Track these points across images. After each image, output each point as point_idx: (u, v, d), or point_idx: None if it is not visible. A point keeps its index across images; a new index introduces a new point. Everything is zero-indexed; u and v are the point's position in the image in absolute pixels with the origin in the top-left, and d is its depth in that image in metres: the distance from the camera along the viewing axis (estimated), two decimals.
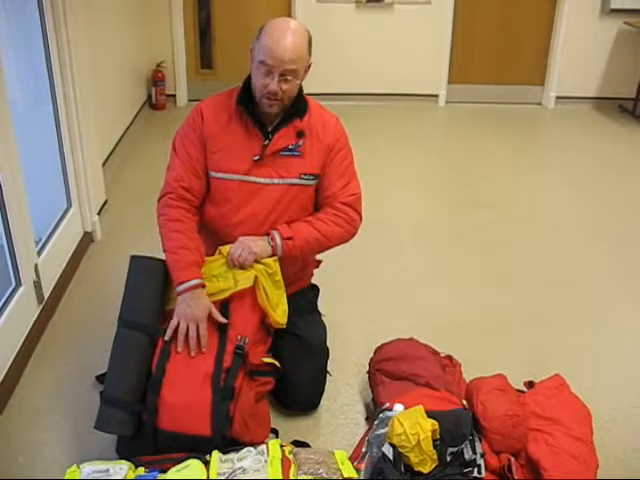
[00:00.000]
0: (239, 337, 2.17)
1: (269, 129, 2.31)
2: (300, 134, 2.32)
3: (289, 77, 2.18)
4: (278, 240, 2.29)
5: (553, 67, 6.13)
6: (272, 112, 2.27)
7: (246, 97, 2.29)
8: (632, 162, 5.05)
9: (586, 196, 4.40)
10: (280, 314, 2.28)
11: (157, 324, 2.20)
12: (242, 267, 2.24)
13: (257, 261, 2.25)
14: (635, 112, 5.96)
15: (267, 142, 2.30)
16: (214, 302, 2.21)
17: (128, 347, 2.17)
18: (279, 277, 2.28)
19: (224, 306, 2.22)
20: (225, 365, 2.11)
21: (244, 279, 2.22)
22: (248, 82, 2.29)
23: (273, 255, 2.29)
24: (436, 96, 6.21)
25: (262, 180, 2.32)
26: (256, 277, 2.22)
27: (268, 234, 2.31)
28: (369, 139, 5.14)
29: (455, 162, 4.96)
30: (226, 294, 2.21)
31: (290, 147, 2.32)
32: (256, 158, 2.30)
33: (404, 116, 5.88)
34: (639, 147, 5.37)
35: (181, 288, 2.18)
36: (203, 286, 2.20)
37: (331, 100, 5.61)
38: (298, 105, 2.33)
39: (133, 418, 2.08)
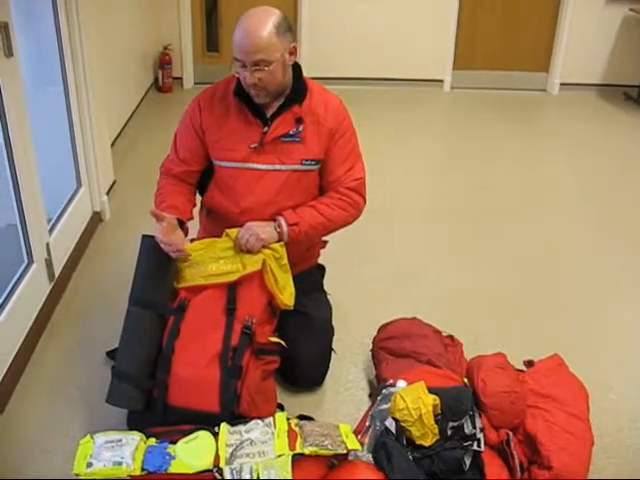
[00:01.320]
0: (247, 317, 2.21)
1: (268, 116, 2.34)
2: (299, 120, 2.34)
3: (261, 67, 2.18)
4: (284, 226, 2.33)
5: (558, 54, 6.13)
6: (261, 101, 2.29)
7: (242, 88, 2.31)
8: (636, 149, 5.06)
9: (589, 182, 4.43)
10: (287, 296, 2.32)
11: (167, 302, 2.25)
12: (249, 252, 2.29)
13: (264, 246, 2.30)
14: None
15: (266, 129, 2.32)
16: (221, 284, 2.25)
17: (139, 325, 2.22)
18: (285, 261, 2.32)
19: (232, 288, 2.26)
20: (233, 344, 2.16)
21: (252, 263, 2.26)
22: None
23: (280, 241, 2.33)
24: (441, 81, 6.21)
25: (263, 167, 2.36)
26: (264, 260, 2.26)
27: (274, 220, 2.35)
28: (374, 124, 5.16)
29: (459, 147, 4.99)
30: (234, 277, 2.25)
31: (290, 133, 2.34)
32: (254, 146, 2.33)
33: (409, 101, 5.89)
34: None
35: None
36: (180, 220, 2.32)
37: (336, 84, 5.63)
38: (296, 90, 2.34)
39: (143, 393, 2.14)
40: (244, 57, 2.18)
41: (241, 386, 2.12)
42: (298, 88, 2.35)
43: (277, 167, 2.36)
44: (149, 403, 2.15)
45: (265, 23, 2.16)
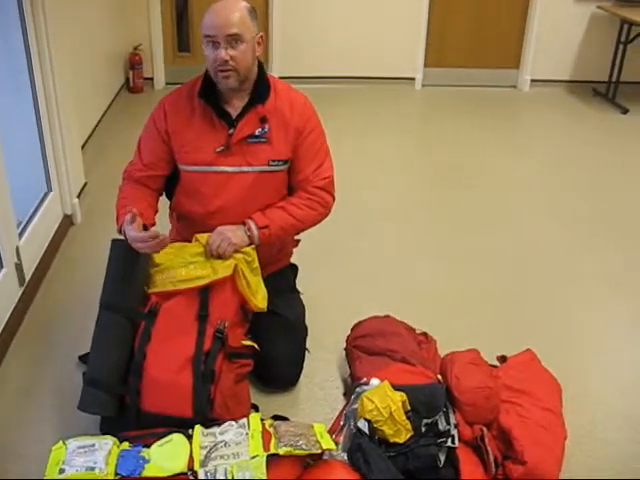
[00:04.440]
0: (219, 321, 2.20)
1: (233, 118, 2.32)
2: (263, 120, 2.33)
3: (234, 42, 2.19)
4: (254, 230, 2.32)
5: (528, 51, 6.19)
6: (230, 85, 2.26)
7: (207, 89, 2.30)
8: (604, 144, 5.13)
9: (559, 177, 4.47)
10: (260, 299, 2.31)
11: (138, 307, 2.23)
12: (221, 257, 2.26)
13: (236, 250, 2.28)
14: (608, 95, 6.03)
15: (232, 131, 2.31)
16: (192, 288, 2.22)
17: (109, 330, 2.19)
18: (256, 264, 2.31)
19: (204, 292, 2.23)
20: (205, 348, 2.15)
21: (224, 268, 2.24)
22: (207, 73, 2.30)
23: (250, 244, 2.31)
24: (413, 79, 6.24)
25: (230, 169, 2.34)
26: (236, 265, 2.24)
27: (244, 223, 2.33)
28: (346, 122, 5.17)
29: (432, 144, 5.01)
30: (204, 281, 2.23)
31: (256, 134, 2.33)
32: (220, 149, 2.32)
33: (381, 99, 5.91)
34: (611, 129, 5.46)
35: (122, 231, 2.26)
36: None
37: (308, 83, 5.63)
38: (259, 89, 2.33)
39: (115, 399, 2.12)
40: (218, 32, 2.18)
41: (214, 390, 2.11)
42: (261, 87, 2.34)
43: (244, 169, 2.35)
44: (122, 409, 2.13)
45: (237, 5, 2.22)
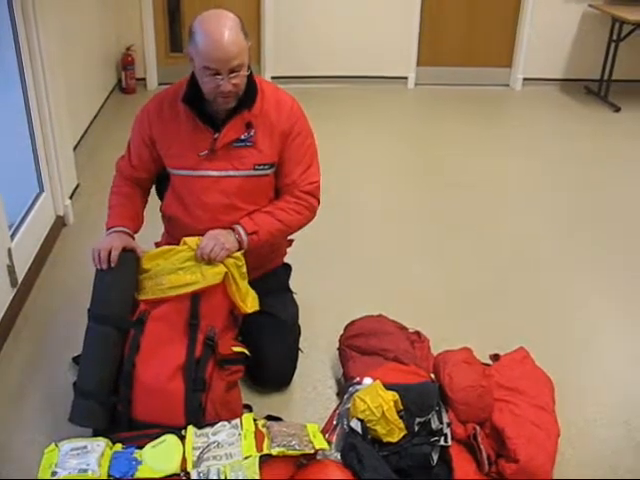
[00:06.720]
0: (209, 327, 2.19)
1: (218, 122, 2.30)
2: (249, 125, 2.30)
3: (237, 72, 2.15)
4: (244, 236, 2.30)
5: (520, 49, 6.20)
6: (230, 106, 2.25)
7: (191, 95, 2.27)
8: (597, 142, 5.14)
9: (553, 176, 4.48)
10: (250, 305, 2.30)
11: (127, 316, 2.20)
12: (211, 262, 2.22)
13: (228, 255, 2.26)
14: (600, 93, 6.05)
15: (217, 135, 2.29)
16: (182, 295, 2.20)
17: (98, 342, 2.17)
18: (245, 268, 2.29)
19: (194, 297, 2.21)
20: (196, 355, 2.14)
21: (213, 275, 2.21)
22: (192, 78, 2.26)
23: (240, 249, 2.29)
24: (405, 78, 6.24)
25: (216, 173, 2.32)
26: (226, 273, 2.22)
27: (232, 228, 2.31)
28: (339, 122, 5.17)
29: (424, 144, 5.01)
30: (193, 287, 2.20)
31: (242, 138, 2.30)
32: (203, 153, 2.29)
33: (374, 98, 5.91)
34: (604, 128, 5.46)
35: (108, 232, 2.30)
36: (130, 235, 2.32)
37: (300, 83, 5.64)
38: (246, 93, 2.28)
39: (107, 410, 2.10)
40: (221, 66, 2.12)
41: (205, 399, 2.11)
42: (248, 90, 2.29)
43: (230, 173, 2.32)
44: (114, 417, 2.11)
45: (233, 28, 2.13)
